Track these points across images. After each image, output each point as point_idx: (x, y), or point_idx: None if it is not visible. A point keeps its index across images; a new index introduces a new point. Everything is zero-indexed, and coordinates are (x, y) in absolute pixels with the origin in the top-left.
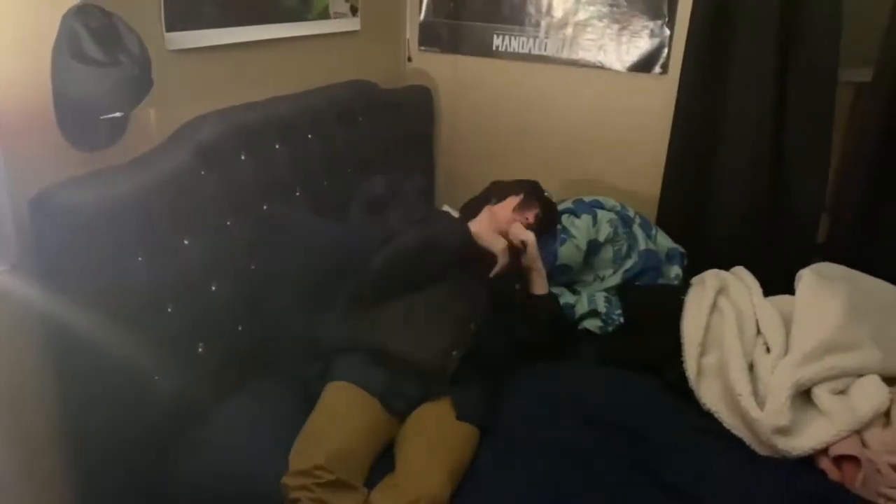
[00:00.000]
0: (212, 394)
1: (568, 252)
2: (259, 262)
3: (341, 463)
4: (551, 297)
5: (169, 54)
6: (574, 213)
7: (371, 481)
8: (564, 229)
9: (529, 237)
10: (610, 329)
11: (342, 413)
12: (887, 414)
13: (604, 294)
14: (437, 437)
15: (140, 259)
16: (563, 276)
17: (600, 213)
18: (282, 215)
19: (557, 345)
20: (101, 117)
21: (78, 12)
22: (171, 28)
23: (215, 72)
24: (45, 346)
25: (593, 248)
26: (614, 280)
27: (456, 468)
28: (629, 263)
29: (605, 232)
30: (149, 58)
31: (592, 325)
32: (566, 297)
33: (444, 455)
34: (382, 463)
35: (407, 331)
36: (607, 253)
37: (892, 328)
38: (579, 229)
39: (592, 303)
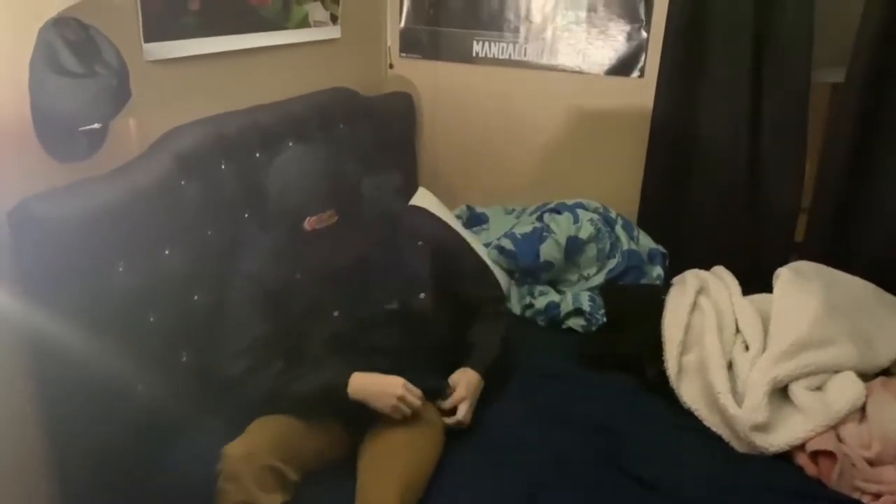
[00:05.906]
0: (196, 403)
1: (549, 249)
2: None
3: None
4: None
5: (147, 65)
6: (557, 211)
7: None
8: (546, 227)
9: (461, 419)
10: (593, 328)
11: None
12: (863, 409)
13: (588, 293)
14: (391, 456)
15: (121, 269)
16: (546, 273)
17: (582, 212)
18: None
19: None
20: (80, 129)
21: (55, 25)
22: (149, 39)
23: (194, 82)
24: (25, 358)
25: (575, 245)
26: (598, 279)
27: (413, 486)
28: (612, 263)
29: (587, 230)
30: (127, 69)
31: (576, 323)
32: (551, 297)
33: (400, 470)
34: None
35: None
36: (591, 251)
37: (867, 325)
38: (560, 226)
39: (577, 301)
